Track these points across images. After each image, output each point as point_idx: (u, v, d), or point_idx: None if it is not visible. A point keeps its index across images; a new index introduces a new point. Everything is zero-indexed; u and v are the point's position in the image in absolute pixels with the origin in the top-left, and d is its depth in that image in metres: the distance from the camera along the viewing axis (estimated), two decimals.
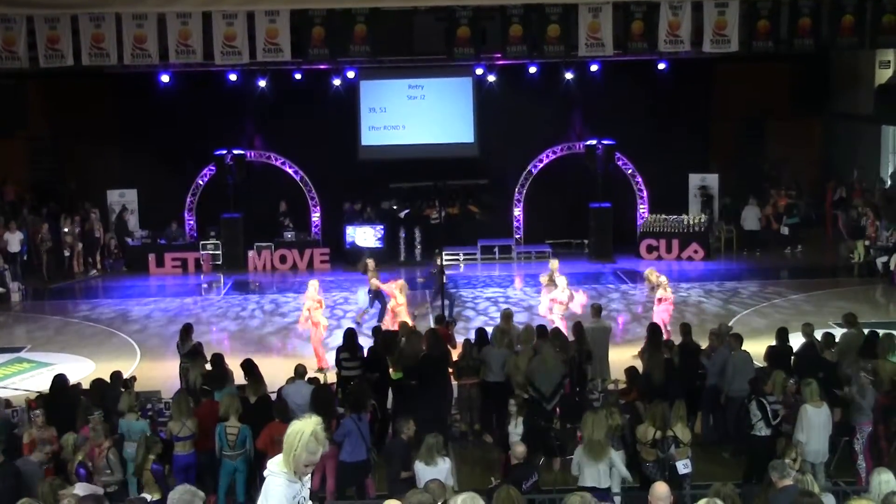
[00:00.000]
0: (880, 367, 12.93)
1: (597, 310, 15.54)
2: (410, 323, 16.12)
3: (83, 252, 25.37)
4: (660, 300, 16.80)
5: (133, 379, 13.80)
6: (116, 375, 13.35)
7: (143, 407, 13.16)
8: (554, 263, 18.56)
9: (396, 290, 17.86)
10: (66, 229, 24.94)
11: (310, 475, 5.98)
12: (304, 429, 5.76)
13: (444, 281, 18.72)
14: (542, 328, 14.63)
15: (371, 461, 11.60)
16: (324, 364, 16.58)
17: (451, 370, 14.05)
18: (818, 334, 14.22)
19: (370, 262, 19.73)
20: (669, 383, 12.97)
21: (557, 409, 13.10)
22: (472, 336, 14.98)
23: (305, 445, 5.74)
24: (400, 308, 17.66)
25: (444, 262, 19.52)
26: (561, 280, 17.64)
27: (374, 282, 18.95)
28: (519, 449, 10.35)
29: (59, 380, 13.18)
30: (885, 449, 12.35)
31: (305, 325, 17.44)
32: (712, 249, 25.85)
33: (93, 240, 25.58)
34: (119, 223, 26.17)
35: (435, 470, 10.02)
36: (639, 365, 14.01)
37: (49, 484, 9.13)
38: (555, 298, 17.36)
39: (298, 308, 18.19)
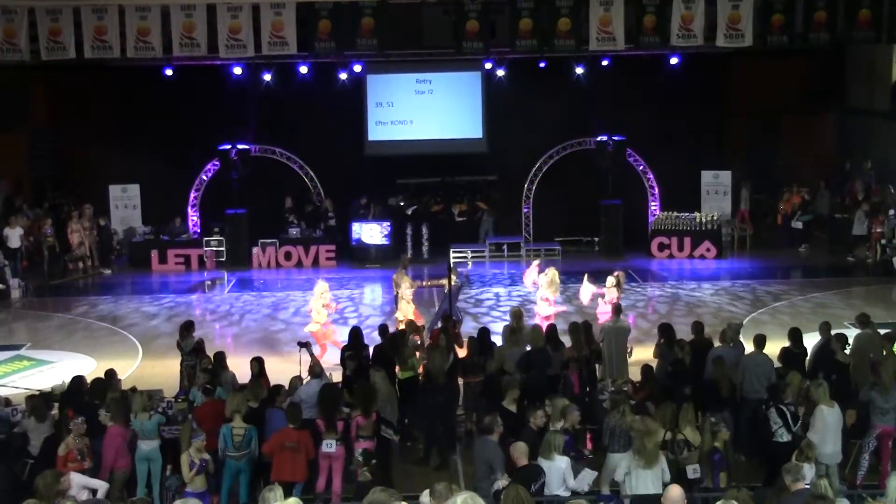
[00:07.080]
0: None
1: (617, 309, 15.25)
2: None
3: (96, 249, 24.99)
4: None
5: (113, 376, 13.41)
6: (110, 373, 13.17)
7: (156, 406, 12.86)
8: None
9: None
10: (78, 225, 24.57)
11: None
12: None
13: (454, 281, 18.38)
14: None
15: None
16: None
17: None
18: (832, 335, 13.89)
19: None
20: (680, 384, 12.65)
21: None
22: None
23: None
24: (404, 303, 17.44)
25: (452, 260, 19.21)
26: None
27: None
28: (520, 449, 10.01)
29: (77, 381, 12.94)
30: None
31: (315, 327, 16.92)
32: (725, 247, 25.50)
33: (108, 235, 25.30)
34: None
35: None
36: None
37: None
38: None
39: (303, 304, 17.91)
